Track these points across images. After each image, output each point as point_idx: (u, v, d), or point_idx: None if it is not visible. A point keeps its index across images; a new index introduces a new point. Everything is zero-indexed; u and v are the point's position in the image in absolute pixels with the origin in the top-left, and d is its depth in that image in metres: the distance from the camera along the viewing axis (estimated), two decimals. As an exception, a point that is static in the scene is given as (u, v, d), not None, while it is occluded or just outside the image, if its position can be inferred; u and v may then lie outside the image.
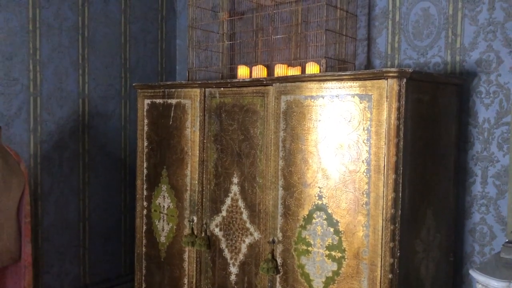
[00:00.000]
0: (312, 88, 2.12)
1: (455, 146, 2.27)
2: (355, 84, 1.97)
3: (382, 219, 1.90)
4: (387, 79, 1.87)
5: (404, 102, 1.88)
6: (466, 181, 2.31)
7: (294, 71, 2.68)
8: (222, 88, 2.55)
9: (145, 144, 2.99)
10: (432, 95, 2.09)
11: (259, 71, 2.80)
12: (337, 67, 2.59)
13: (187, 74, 3.00)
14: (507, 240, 2.08)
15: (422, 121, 2.04)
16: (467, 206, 2.31)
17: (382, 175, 1.90)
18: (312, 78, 2.12)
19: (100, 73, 3.29)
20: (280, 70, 2.70)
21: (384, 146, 1.89)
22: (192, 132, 2.69)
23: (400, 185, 1.90)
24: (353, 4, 2.62)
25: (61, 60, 3.07)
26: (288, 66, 2.73)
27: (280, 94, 2.25)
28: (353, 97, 1.98)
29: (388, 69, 1.86)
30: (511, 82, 2.16)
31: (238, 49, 3.17)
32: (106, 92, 3.34)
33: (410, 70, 1.84)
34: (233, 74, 3.07)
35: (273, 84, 2.29)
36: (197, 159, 2.66)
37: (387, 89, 1.88)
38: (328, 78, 2.06)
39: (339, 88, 2.02)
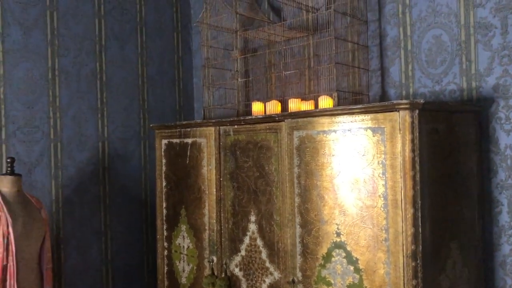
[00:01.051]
0: (324, 122, 2.09)
1: (477, 175, 2.18)
2: (367, 117, 1.93)
3: (403, 256, 1.83)
4: (398, 111, 1.83)
5: (418, 134, 1.82)
6: (492, 211, 2.21)
7: (308, 105, 2.66)
8: (235, 126, 2.55)
9: (164, 184, 3.00)
10: (448, 124, 2.03)
11: (273, 107, 2.80)
12: (351, 99, 2.57)
13: (203, 113, 3.02)
14: (540, 273, 1.96)
15: (439, 151, 1.97)
16: (495, 238, 2.20)
17: (400, 209, 1.84)
18: (323, 113, 2.10)
19: (118, 116, 3.35)
20: (294, 104, 2.69)
21: (400, 180, 1.84)
22: (209, 171, 2.68)
23: (420, 219, 1.82)
24: (364, 35, 2.61)
25: (80, 106, 3.15)
26: (301, 100, 2.72)
27: (292, 129, 2.23)
28: (366, 130, 1.94)
29: (399, 101, 1.82)
30: (531, 107, 2.08)
31: (252, 85, 3.19)
32: (125, 134, 3.39)
33: (421, 101, 1.80)
34: (249, 110, 3.08)
35: (285, 120, 2.27)
36: (214, 197, 2.65)
37: (400, 121, 1.83)
38: (339, 112, 2.03)
39: (351, 122, 1.99)
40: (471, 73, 2.28)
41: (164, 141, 2.99)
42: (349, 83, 2.64)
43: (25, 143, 2.90)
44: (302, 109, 2.66)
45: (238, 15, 2.92)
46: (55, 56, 3.04)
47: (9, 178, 2.48)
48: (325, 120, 2.09)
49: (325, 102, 2.50)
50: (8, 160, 2.50)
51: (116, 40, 3.35)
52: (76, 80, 3.14)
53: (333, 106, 2.40)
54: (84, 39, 3.18)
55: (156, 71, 3.61)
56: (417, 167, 1.82)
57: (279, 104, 2.83)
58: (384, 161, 1.88)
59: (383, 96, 2.60)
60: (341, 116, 2.02)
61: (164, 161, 3.00)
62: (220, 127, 2.63)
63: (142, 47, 3.51)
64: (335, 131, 2.05)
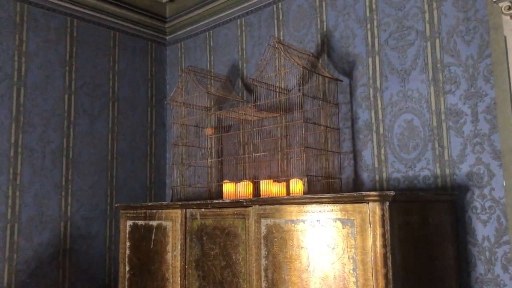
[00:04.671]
0: (292, 211, 1.97)
1: (455, 268, 2.05)
2: (336, 207, 1.83)
3: None
4: (368, 202, 1.73)
5: (389, 228, 1.71)
6: (473, 308, 2.06)
7: (279, 187, 2.56)
8: (203, 209, 2.42)
9: (127, 269, 2.80)
10: (421, 215, 1.93)
11: (244, 188, 2.69)
12: (323, 183, 2.47)
13: (171, 193, 2.89)
14: None
15: (413, 245, 1.85)
16: (478, 338, 2.04)
17: (373, 311, 1.68)
18: (291, 201, 1.99)
19: (84, 194, 3.19)
20: (265, 186, 2.58)
21: (371, 278, 1.70)
22: (173, 257, 2.51)
23: (394, 323, 1.67)
24: (336, 117, 2.57)
25: (43, 184, 2.99)
26: (273, 182, 2.61)
27: (260, 217, 2.10)
28: (335, 221, 1.82)
29: (368, 192, 1.72)
30: (506, 197, 2.00)
31: (224, 164, 3.09)
32: (90, 213, 3.22)
33: (392, 193, 1.70)
34: (221, 190, 2.96)
35: (253, 206, 2.15)
36: (179, 287, 2.45)
37: (370, 213, 1.73)
38: (307, 201, 1.92)
39: (320, 211, 1.87)
40: (444, 159, 2.21)
41: (129, 222, 2.83)
42: (321, 165, 2.56)
43: (-22, 225, 2.71)
44: (273, 192, 2.55)
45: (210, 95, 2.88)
46: (19, 132, 2.92)
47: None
48: (293, 208, 1.97)
49: (296, 185, 2.39)
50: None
51: (86, 115, 3.27)
52: (41, 156, 3.01)
53: (303, 191, 2.29)
54: (52, 114, 3.08)
55: (128, 146, 3.50)
56: (389, 264, 1.70)
57: (251, 184, 2.72)
58: (354, 256, 1.75)
59: (356, 180, 2.51)
60: (310, 205, 1.91)
61: (128, 243, 2.81)
62: (187, 210, 2.49)
63: (114, 122, 3.43)
64: (303, 221, 1.93)
